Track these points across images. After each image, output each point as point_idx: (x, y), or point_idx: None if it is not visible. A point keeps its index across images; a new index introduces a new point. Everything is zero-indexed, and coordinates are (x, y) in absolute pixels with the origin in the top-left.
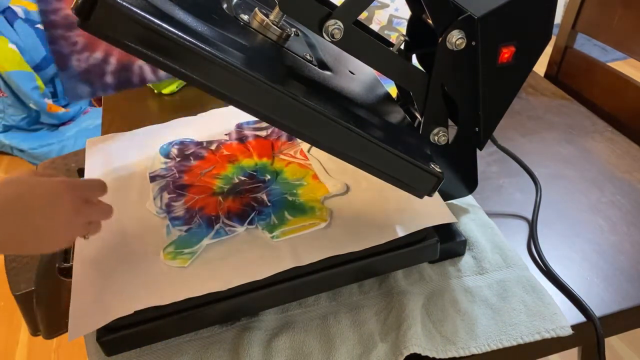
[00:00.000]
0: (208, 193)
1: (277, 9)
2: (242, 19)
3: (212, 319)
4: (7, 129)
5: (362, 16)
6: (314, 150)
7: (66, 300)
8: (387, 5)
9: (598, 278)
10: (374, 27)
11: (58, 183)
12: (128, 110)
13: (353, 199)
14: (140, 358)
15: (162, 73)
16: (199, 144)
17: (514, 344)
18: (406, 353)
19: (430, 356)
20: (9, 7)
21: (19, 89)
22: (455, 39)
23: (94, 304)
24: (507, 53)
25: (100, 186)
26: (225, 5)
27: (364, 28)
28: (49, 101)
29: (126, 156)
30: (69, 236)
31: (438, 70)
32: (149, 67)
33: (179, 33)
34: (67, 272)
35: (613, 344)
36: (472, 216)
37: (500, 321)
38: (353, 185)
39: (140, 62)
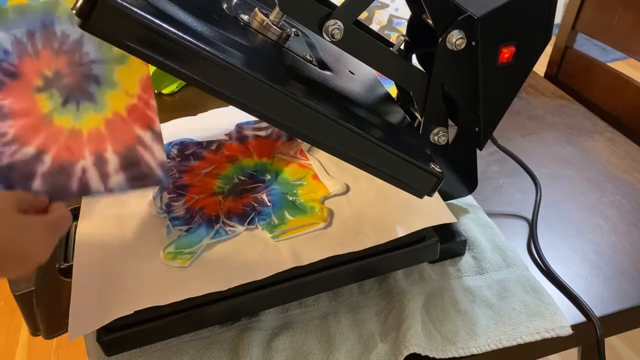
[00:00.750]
0: (208, 193)
1: (277, 9)
2: (242, 19)
3: (212, 319)
4: None
5: (362, 16)
6: (314, 150)
7: (66, 300)
8: (387, 5)
9: (598, 278)
10: (374, 27)
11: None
12: None
13: (353, 199)
14: (140, 358)
15: (113, 183)
16: (199, 144)
17: (514, 344)
18: (406, 353)
19: (430, 356)
20: None
21: None
22: (455, 39)
23: (94, 304)
24: (507, 53)
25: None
26: (225, 5)
27: (364, 28)
28: None
29: None
30: (39, 256)
31: (438, 70)
32: (95, 173)
33: (179, 33)
34: (67, 272)
35: (613, 344)
36: (472, 216)
37: (500, 321)
38: (353, 185)
39: (85, 164)
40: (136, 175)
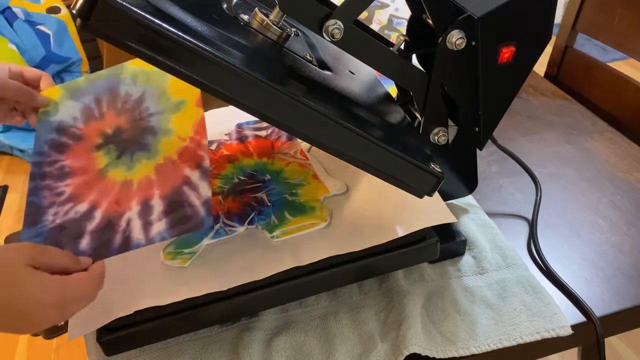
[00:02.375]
0: None
1: (277, 9)
2: (242, 19)
3: (212, 319)
4: (7, 129)
5: (362, 16)
6: (314, 150)
7: None
8: (387, 5)
9: (598, 278)
10: (374, 27)
11: (14, 251)
12: None
13: (353, 199)
14: (140, 358)
15: (154, 232)
16: None
17: (514, 344)
18: (406, 353)
19: (430, 356)
20: (8, 7)
21: None
22: (455, 38)
23: (94, 304)
24: (507, 53)
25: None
26: (225, 5)
27: (364, 28)
28: None
29: None
30: (43, 319)
31: (438, 70)
32: (139, 223)
33: (179, 33)
34: None
35: (613, 344)
36: (472, 216)
37: (500, 321)
38: (353, 185)
39: (131, 215)
40: (180, 218)
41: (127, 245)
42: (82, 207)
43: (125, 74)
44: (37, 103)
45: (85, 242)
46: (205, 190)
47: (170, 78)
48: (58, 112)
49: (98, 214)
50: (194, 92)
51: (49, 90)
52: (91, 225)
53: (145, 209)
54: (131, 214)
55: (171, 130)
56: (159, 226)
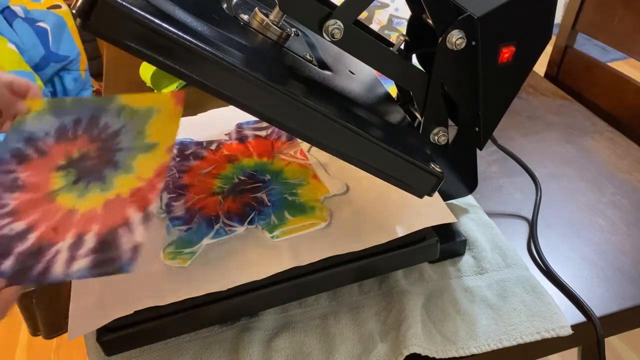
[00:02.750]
0: (208, 193)
1: (277, 9)
2: (242, 19)
3: (212, 319)
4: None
5: (362, 16)
6: (314, 150)
7: (66, 300)
8: (387, 5)
9: (598, 278)
10: (374, 27)
11: None
12: None
13: (353, 199)
14: (140, 358)
15: (74, 268)
16: (199, 144)
17: (514, 343)
18: (406, 353)
19: (430, 356)
20: (8, 7)
21: None
22: (455, 38)
23: (94, 304)
24: (507, 53)
25: None
26: (225, 5)
27: (364, 28)
28: None
29: None
30: None
31: (438, 70)
32: (65, 256)
33: (179, 33)
34: None
35: (613, 344)
36: (472, 216)
37: (500, 321)
38: (353, 185)
39: (62, 246)
40: (104, 259)
41: (45, 276)
42: (20, 225)
43: (114, 104)
44: (16, 110)
45: (8, 264)
46: (139, 236)
47: (152, 119)
48: (33, 123)
49: (32, 237)
50: (170, 137)
51: (33, 100)
52: (21, 247)
53: (78, 243)
54: (62, 245)
55: (133, 169)
56: (81, 263)
